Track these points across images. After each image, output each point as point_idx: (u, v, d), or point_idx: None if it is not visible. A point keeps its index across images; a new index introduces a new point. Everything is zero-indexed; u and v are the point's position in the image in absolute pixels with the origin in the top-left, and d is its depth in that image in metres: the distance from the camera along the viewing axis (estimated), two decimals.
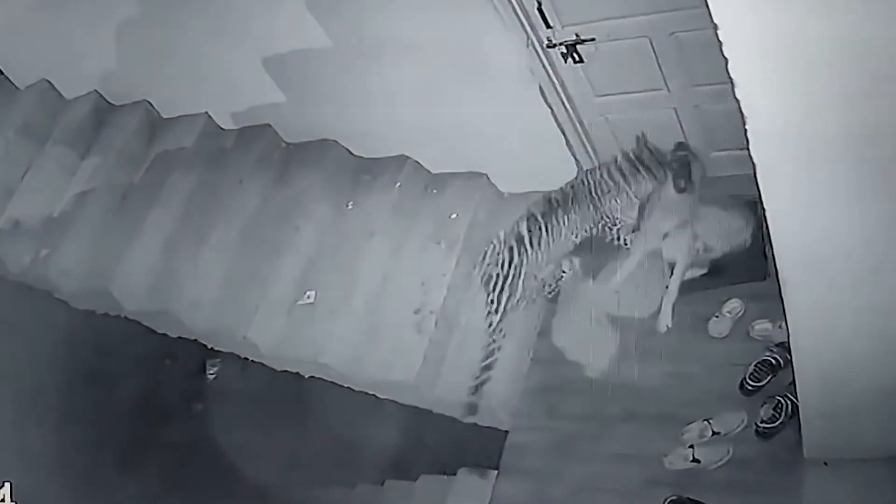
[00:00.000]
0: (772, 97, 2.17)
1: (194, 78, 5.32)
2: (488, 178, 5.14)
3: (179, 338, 5.16)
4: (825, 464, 3.71)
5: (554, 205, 4.61)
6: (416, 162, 5.27)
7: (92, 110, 5.77)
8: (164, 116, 5.80)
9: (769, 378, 4.02)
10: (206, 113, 5.65)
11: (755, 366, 4.06)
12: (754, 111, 2.20)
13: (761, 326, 4.19)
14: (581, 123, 4.68)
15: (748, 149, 2.31)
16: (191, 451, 4.98)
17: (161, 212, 5.34)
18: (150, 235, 5.26)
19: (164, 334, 5.20)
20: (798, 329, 3.04)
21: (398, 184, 5.20)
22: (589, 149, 4.77)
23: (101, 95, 5.81)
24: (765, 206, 2.51)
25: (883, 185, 2.37)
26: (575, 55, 4.30)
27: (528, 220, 4.63)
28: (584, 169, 4.77)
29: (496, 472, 4.32)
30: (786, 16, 1.97)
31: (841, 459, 3.67)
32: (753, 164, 2.36)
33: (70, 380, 5.14)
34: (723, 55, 2.08)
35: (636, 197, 4.53)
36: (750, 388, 4.04)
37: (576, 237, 4.61)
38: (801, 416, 3.57)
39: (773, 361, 4.02)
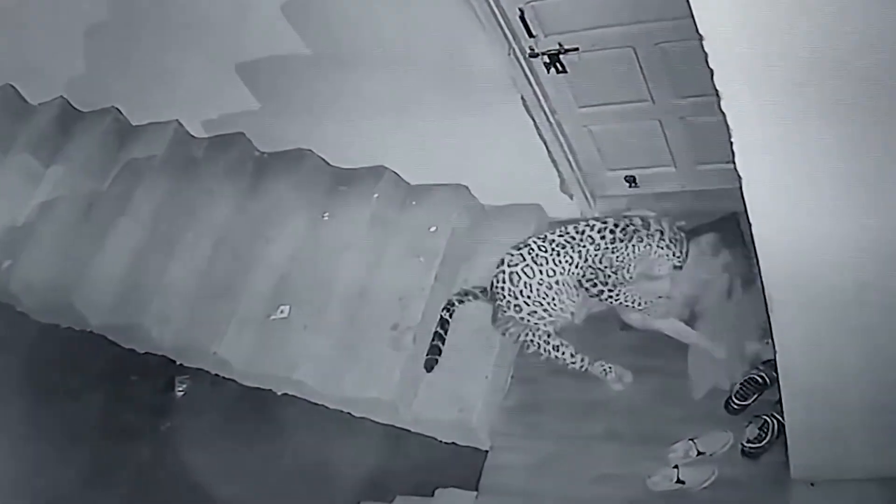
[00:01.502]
0: (758, 110, 2.20)
1: (165, 84, 5.30)
2: (469, 190, 5.15)
3: (147, 353, 5.14)
4: (812, 484, 3.73)
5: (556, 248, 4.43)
6: (395, 173, 5.27)
7: (58, 116, 5.76)
8: (133, 123, 5.79)
9: (755, 396, 4.05)
10: (177, 120, 5.64)
11: (741, 384, 4.09)
12: (740, 124, 2.23)
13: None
14: (564, 135, 4.70)
15: (734, 162, 2.34)
16: (157, 472, 4.92)
17: (129, 222, 5.32)
18: (117, 246, 5.23)
19: (131, 349, 5.18)
20: (785, 346, 3.07)
21: (376, 195, 5.19)
22: (571, 161, 4.79)
23: (67, 101, 5.79)
24: (750, 220, 2.54)
25: (870, 201, 2.41)
26: (558, 65, 4.33)
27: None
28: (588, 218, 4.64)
29: (475, 493, 4.32)
30: (772, 29, 2.01)
31: (829, 480, 3.69)
32: (739, 177, 2.39)
33: (33, 396, 5.08)
34: (708, 66, 2.11)
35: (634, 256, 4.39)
36: (735, 406, 4.07)
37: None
38: (787, 435, 3.59)
39: (760, 379, 4.05)
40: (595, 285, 4.32)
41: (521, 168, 4.81)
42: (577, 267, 4.34)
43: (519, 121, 4.55)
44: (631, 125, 4.60)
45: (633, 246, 4.29)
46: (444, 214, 5.09)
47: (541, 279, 4.35)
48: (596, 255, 4.31)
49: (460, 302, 4.72)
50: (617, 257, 4.30)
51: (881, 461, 3.50)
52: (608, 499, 4.04)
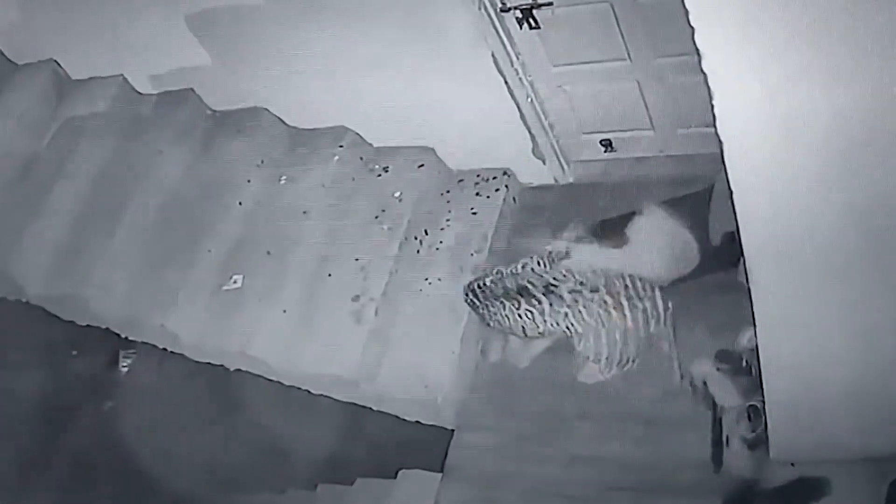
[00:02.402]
0: (741, 71, 2.18)
1: (108, 35, 5.19)
2: (436, 153, 5.13)
3: (88, 326, 5.08)
4: (792, 465, 3.79)
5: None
6: (357, 134, 5.24)
7: None
8: (74, 78, 5.68)
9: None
10: (122, 75, 5.54)
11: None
12: (722, 86, 2.21)
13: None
14: (536, 95, 4.69)
15: (714, 126, 2.32)
16: (99, 454, 4.91)
17: (69, 185, 5.23)
18: (56, 211, 5.15)
19: (71, 322, 5.11)
20: (766, 323, 3.08)
21: (336, 157, 5.17)
22: (545, 123, 4.78)
23: (1, 53, 5.66)
24: (731, 187, 2.53)
25: (856, 172, 2.41)
26: (531, 20, 4.31)
27: None
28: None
29: (440, 475, 4.33)
30: None
31: (810, 461, 3.74)
32: (720, 142, 2.39)
33: None
34: (689, 24, 2.08)
35: None
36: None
37: None
38: (767, 414, 3.64)
39: None
40: None
41: (491, 130, 4.80)
42: None
43: (489, 80, 4.53)
44: (607, 86, 4.60)
45: None
46: (409, 179, 5.07)
47: None
48: None
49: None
50: None
51: (864, 442, 3.54)
52: (581, 482, 4.06)
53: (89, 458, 4.92)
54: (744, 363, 4.09)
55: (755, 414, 3.94)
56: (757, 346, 3.25)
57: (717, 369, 4.14)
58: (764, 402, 3.84)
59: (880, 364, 3.13)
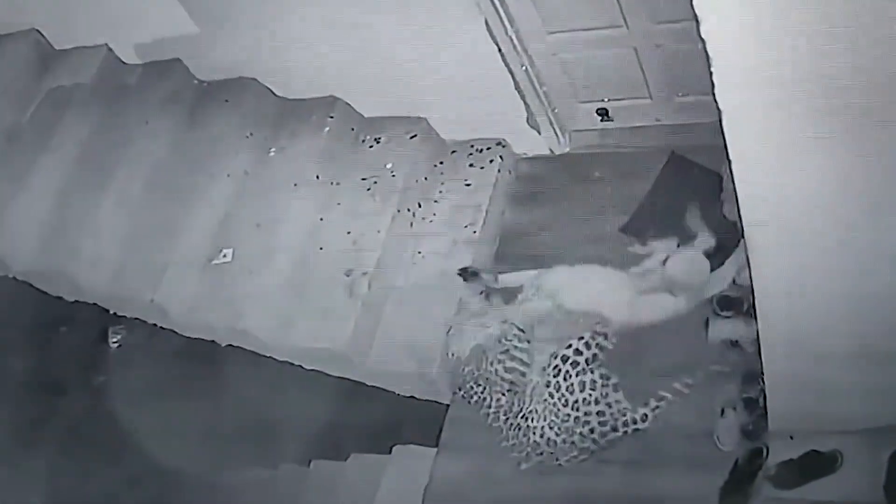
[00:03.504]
0: (740, 37, 2.18)
1: (92, 4, 5.18)
2: (428, 123, 5.13)
3: (76, 301, 5.09)
4: (791, 437, 3.82)
5: None
6: (347, 104, 5.23)
7: None
8: (57, 48, 5.66)
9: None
10: (106, 45, 5.52)
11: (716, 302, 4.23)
12: (721, 52, 2.21)
13: None
14: (531, 63, 4.68)
15: (713, 94, 2.33)
16: (89, 431, 4.93)
17: (53, 157, 5.23)
18: (41, 184, 5.15)
19: (59, 297, 5.12)
20: (764, 291, 3.10)
21: (326, 128, 5.16)
22: (539, 91, 4.78)
23: None
24: (730, 156, 2.54)
25: (857, 138, 2.42)
26: None
27: None
28: None
29: (436, 450, 4.37)
30: None
31: (809, 432, 3.78)
32: (719, 110, 2.39)
33: None
34: None
35: None
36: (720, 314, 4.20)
37: None
38: (765, 383, 3.66)
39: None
40: None
41: (485, 100, 4.78)
42: None
43: (483, 47, 4.51)
44: (604, 53, 4.59)
45: None
46: (401, 150, 5.06)
47: None
48: None
49: None
50: None
51: (866, 412, 3.57)
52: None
53: (80, 433, 4.93)
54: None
55: (749, 405, 3.97)
56: (756, 318, 3.29)
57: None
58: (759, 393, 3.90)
59: (882, 332, 3.15)
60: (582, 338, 4.16)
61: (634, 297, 4.35)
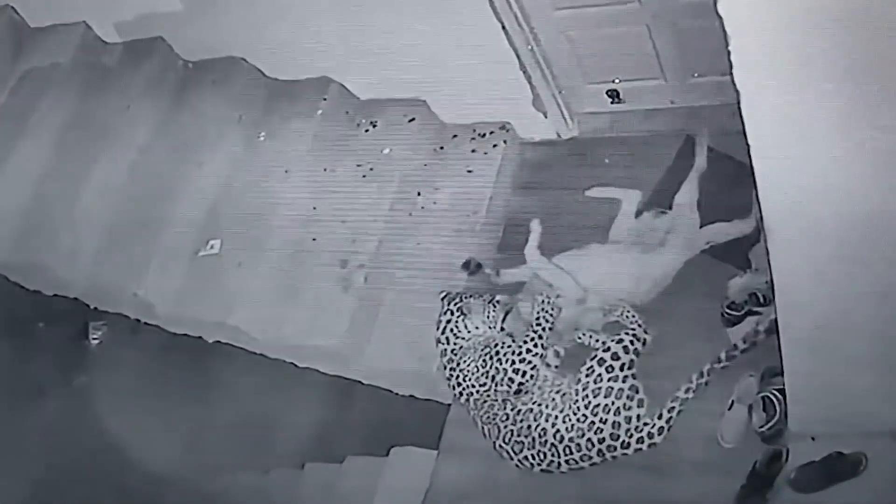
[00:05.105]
0: (760, 14, 2.18)
1: None
2: (428, 106, 5.12)
3: (55, 295, 5.10)
4: (812, 439, 3.82)
5: None
6: (342, 85, 5.23)
7: None
8: (32, 25, 5.67)
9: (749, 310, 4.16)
10: (84, 22, 5.53)
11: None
12: (739, 30, 2.21)
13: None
14: (538, 41, 4.66)
15: (731, 74, 2.32)
16: (70, 432, 4.94)
17: (30, 143, 5.24)
18: (17, 172, 5.16)
19: (37, 291, 5.14)
20: (784, 287, 3.10)
21: (320, 111, 5.17)
22: (546, 72, 4.77)
23: None
24: (749, 141, 2.53)
25: (880, 121, 2.41)
26: None
27: None
28: None
29: (436, 452, 4.37)
30: None
31: (831, 434, 3.78)
32: (737, 91, 2.38)
33: None
34: None
35: None
36: (729, 316, 4.17)
37: None
38: (786, 383, 3.66)
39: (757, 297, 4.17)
40: None
41: (488, 81, 4.78)
42: None
43: (486, 25, 4.49)
44: (615, 30, 4.57)
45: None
46: (399, 134, 5.07)
47: None
48: None
49: None
50: None
51: (892, 411, 3.57)
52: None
53: (60, 435, 4.94)
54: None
55: (767, 407, 3.97)
56: (776, 317, 3.28)
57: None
58: (773, 393, 3.90)
59: None
60: (621, 340, 4.16)
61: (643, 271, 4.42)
